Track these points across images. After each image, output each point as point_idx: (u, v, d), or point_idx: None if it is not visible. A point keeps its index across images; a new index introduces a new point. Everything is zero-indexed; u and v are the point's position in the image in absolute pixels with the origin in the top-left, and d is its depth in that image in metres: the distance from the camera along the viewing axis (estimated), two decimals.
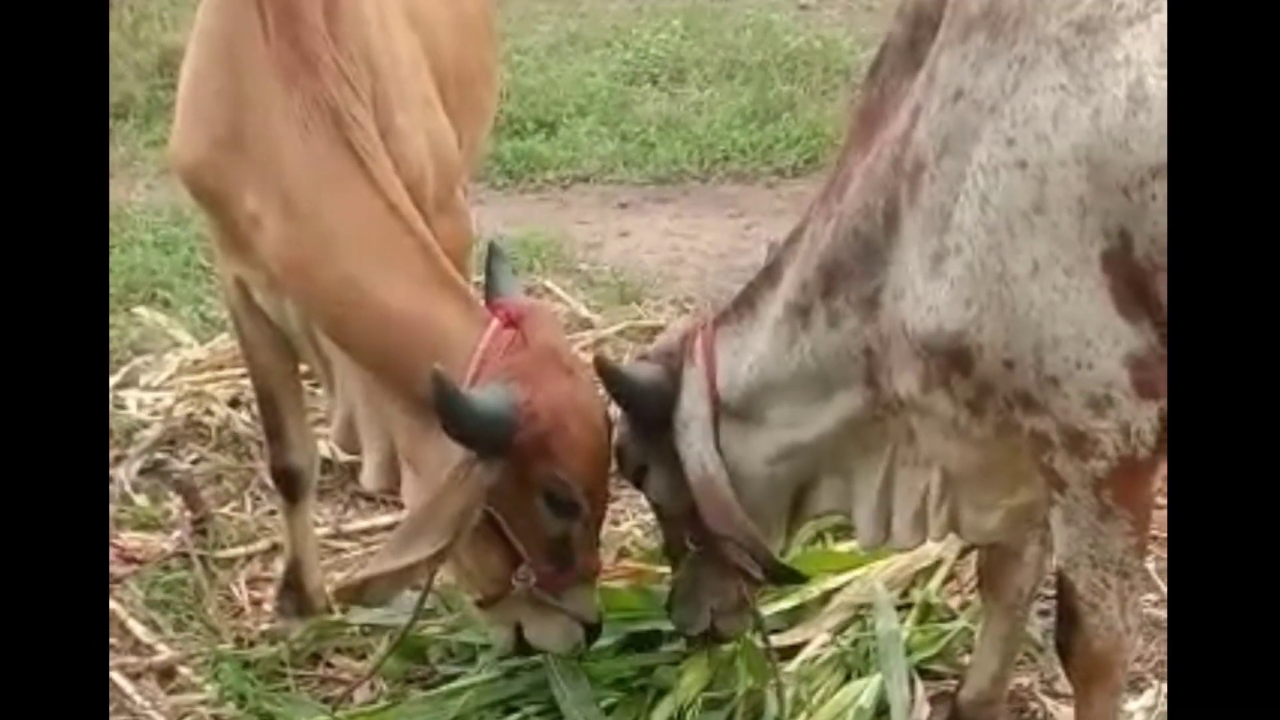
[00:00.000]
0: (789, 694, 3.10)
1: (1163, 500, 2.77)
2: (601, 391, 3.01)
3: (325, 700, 3.29)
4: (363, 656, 3.44)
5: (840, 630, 3.38)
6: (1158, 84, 2.28)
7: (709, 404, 2.79)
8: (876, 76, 2.63)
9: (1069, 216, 2.33)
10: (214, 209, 3.15)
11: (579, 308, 5.14)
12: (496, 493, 2.92)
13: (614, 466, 3.06)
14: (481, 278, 4.35)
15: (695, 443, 2.77)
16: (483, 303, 3.10)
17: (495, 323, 2.97)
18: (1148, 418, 2.40)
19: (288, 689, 3.32)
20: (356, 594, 3.01)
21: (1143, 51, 2.29)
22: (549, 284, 5.32)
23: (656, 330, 4.92)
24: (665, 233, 5.98)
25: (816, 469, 2.83)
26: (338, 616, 3.57)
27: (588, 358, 4.59)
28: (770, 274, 2.79)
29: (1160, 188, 2.28)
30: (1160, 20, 2.30)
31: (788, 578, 3.00)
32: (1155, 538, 3.34)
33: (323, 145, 2.95)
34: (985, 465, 2.63)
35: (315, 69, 2.95)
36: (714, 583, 2.99)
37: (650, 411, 2.85)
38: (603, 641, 3.19)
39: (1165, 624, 3.51)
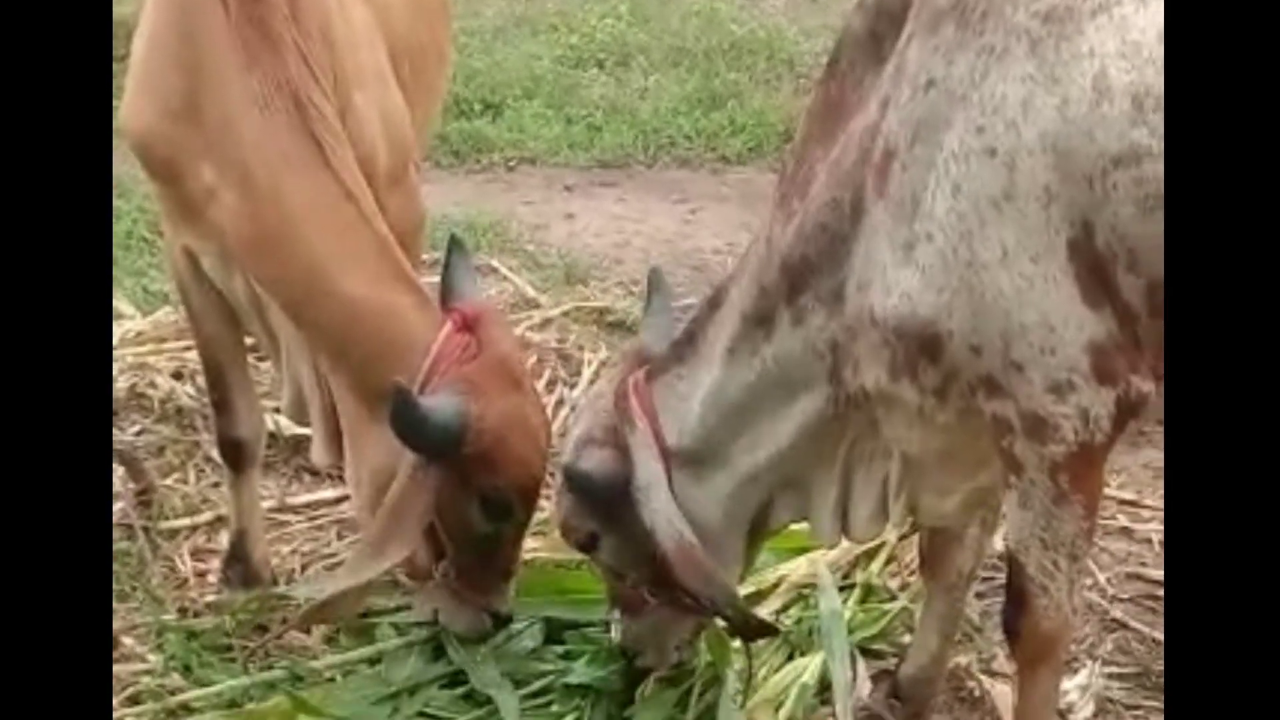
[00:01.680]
0: (735, 668, 3.13)
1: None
2: (545, 402, 3.10)
3: (271, 669, 3.27)
4: (308, 629, 3.40)
5: (784, 609, 3.41)
6: (1119, 75, 2.31)
7: (661, 463, 2.77)
8: (835, 70, 2.63)
9: (1036, 205, 2.36)
10: (165, 180, 3.12)
11: (525, 288, 5.13)
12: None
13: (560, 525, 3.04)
14: (433, 255, 4.39)
15: (660, 509, 2.74)
16: (437, 297, 3.12)
17: (449, 326, 2.98)
18: (1105, 404, 2.43)
19: (233, 660, 3.30)
20: (322, 615, 3.05)
21: (1106, 43, 2.32)
22: (495, 263, 5.32)
23: (602, 312, 4.98)
24: (611, 216, 5.98)
25: (772, 488, 2.83)
26: (283, 589, 3.57)
27: (535, 337, 4.72)
28: (712, 305, 2.77)
29: (1121, 177, 2.32)
30: (1121, 12, 2.33)
31: (761, 632, 2.98)
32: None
33: (283, 127, 2.93)
34: (947, 451, 2.66)
35: (277, 49, 2.93)
36: (675, 625, 3.01)
37: (615, 496, 2.81)
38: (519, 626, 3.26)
39: (1098, 607, 3.59)
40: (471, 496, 2.98)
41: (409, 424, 2.82)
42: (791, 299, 2.63)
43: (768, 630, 3.02)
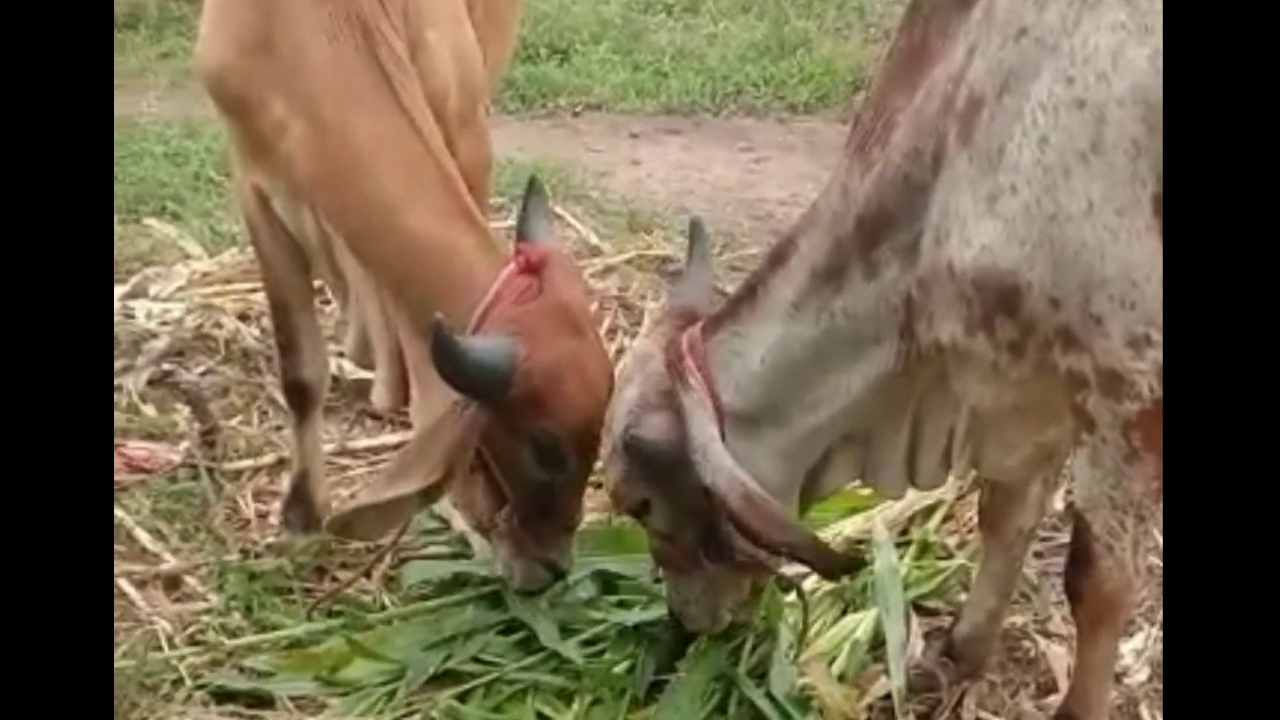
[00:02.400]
0: (789, 622, 3.13)
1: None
2: (609, 350, 3.01)
3: (331, 615, 3.29)
4: (367, 573, 3.44)
5: None
6: None
7: (716, 424, 2.72)
8: (917, 16, 2.56)
9: (1123, 158, 2.32)
10: (238, 115, 3.14)
11: (588, 234, 5.12)
12: (487, 435, 2.92)
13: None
14: (499, 200, 4.37)
15: (721, 467, 2.69)
16: (511, 239, 3.10)
17: (512, 267, 2.95)
18: None
19: (294, 601, 3.33)
20: (346, 526, 3.04)
21: None
22: (559, 210, 5.27)
23: (665, 260, 4.97)
24: (676, 164, 5.95)
25: (832, 445, 2.79)
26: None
27: (597, 284, 4.70)
28: (776, 259, 2.71)
29: None
30: None
31: (848, 567, 2.95)
32: None
33: (351, 59, 2.93)
34: (1017, 406, 2.62)
35: None
36: (729, 586, 2.98)
37: (671, 461, 2.75)
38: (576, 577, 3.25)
39: (1158, 571, 3.53)
40: (523, 441, 2.95)
41: (448, 360, 2.79)
42: (866, 252, 2.58)
43: (854, 564, 3.00)
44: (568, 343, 2.93)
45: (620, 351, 4.26)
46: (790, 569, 3.01)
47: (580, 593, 3.29)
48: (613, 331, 4.48)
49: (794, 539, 2.75)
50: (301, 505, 3.57)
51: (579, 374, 2.93)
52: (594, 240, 5.08)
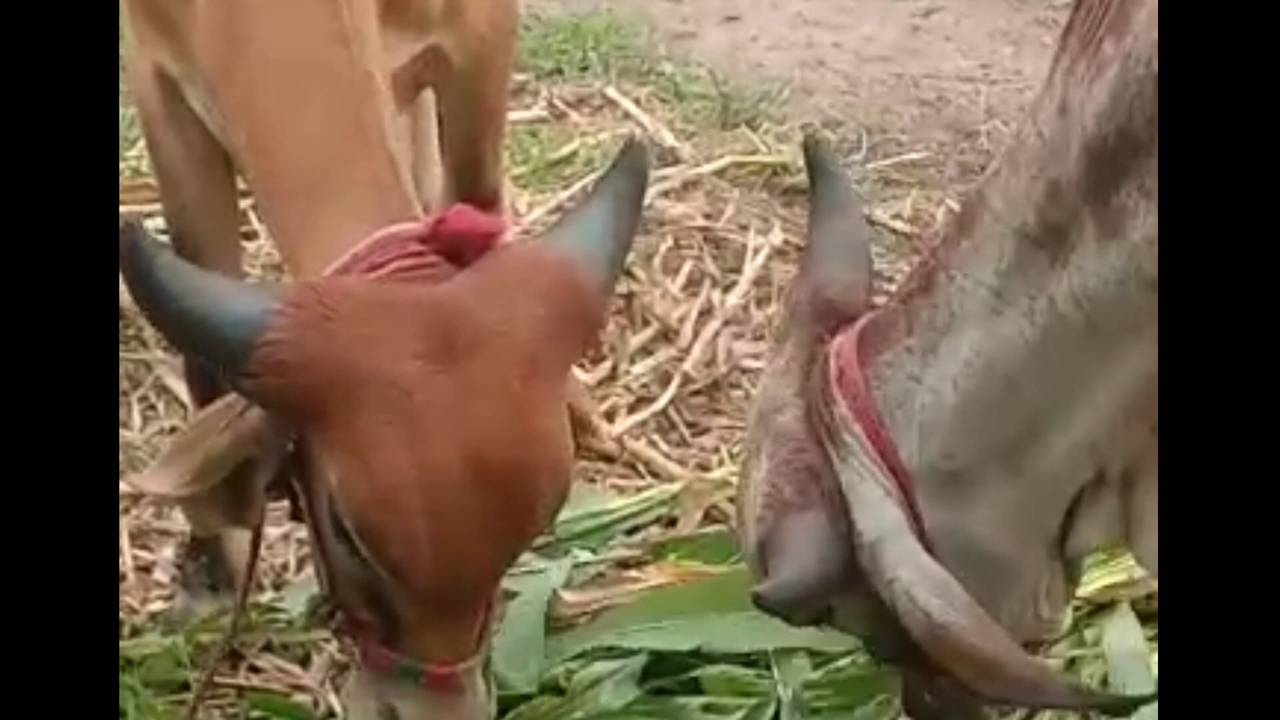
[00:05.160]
0: None
1: None
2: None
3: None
4: (306, 657, 3.47)
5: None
6: None
7: (896, 498, 2.72)
8: None
9: None
10: None
11: (659, 131, 5.14)
12: (295, 464, 2.84)
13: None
14: (524, 77, 4.27)
15: (902, 573, 2.68)
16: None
17: (407, 227, 2.86)
18: None
19: (183, 701, 3.32)
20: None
21: None
22: (612, 92, 5.31)
23: (777, 170, 4.98)
24: (795, 19, 5.92)
25: (1077, 495, 2.77)
26: (270, 596, 3.60)
27: (671, 208, 4.77)
28: (961, 224, 2.70)
29: None
30: None
31: (1130, 706, 2.89)
32: None
33: None
34: None
35: None
36: (978, 706, 2.98)
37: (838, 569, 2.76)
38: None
39: None
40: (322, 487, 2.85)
41: (139, 283, 2.68)
42: (1101, 198, 2.56)
43: (1138, 701, 2.93)
44: (406, 364, 2.72)
45: (706, 314, 4.40)
46: None
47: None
48: (694, 282, 4.56)
49: (1013, 689, 2.72)
50: (206, 553, 3.57)
51: (397, 409, 2.72)
52: (668, 140, 5.10)
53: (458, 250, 2.81)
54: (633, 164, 3.00)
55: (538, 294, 2.81)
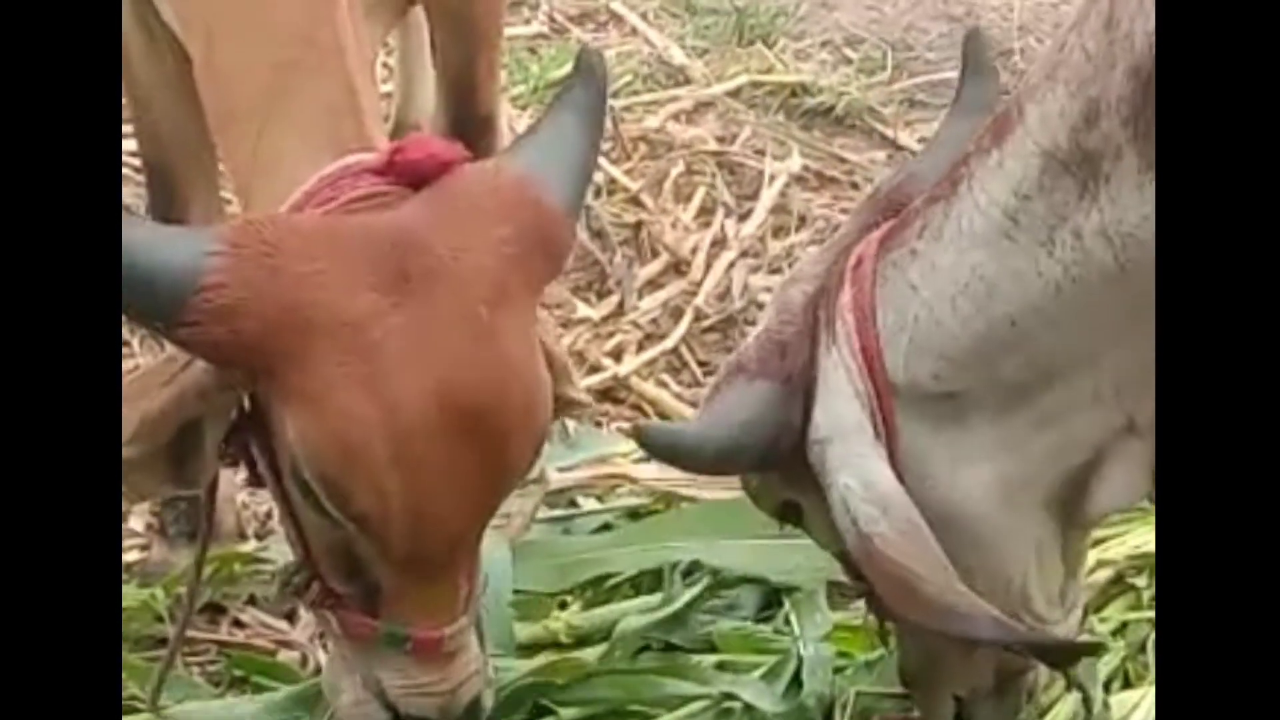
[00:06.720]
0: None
1: None
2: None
3: (233, 683, 3.38)
4: (293, 611, 3.45)
5: (1096, 610, 3.44)
6: None
7: (865, 399, 2.73)
8: None
9: None
10: None
11: (669, 48, 5.16)
12: (249, 430, 2.78)
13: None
14: None
15: (841, 476, 2.72)
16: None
17: (364, 157, 2.79)
18: None
19: (157, 657, 3.30)
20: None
21: None
22: (618, 6, 5.34)
23: (796, 90, 5.00)
24: None
25: (1102, 442, 2.76)
26: (253, 545, 3.60)
27: (682, 132, 4.82)
28: (993, 134, 2.69)
29: None
30: None
31: (1071, 656, 2.96)
32: None
33: None
34: None
35: None
36: (953, 660, 3.00)
37: (780, 453, 2.80)
38: None
39: None
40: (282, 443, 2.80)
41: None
42: (1144, 124, 2.52)
43: (1081, 650, 3.02)
44: (362, 297, 2.65)
45: (718, 245, 4.45)
46: None
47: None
48: (707, 210, 4.56)
49: (945, 619, 2.71)
50: (185, 502, 3.51)
51: (348, 354, 2.65)
52: (678, 57, 5.12)
53: (418, 182, 2.74)
54: (590, 72, 2.95)
55: (497, 215, 2.75)
